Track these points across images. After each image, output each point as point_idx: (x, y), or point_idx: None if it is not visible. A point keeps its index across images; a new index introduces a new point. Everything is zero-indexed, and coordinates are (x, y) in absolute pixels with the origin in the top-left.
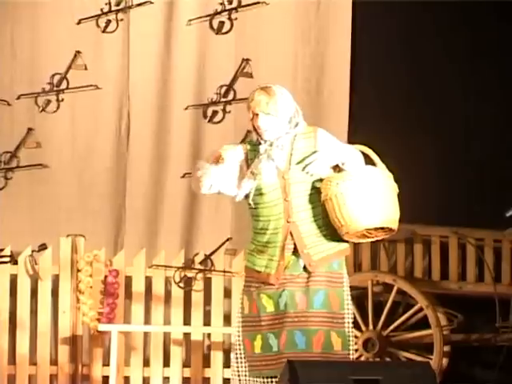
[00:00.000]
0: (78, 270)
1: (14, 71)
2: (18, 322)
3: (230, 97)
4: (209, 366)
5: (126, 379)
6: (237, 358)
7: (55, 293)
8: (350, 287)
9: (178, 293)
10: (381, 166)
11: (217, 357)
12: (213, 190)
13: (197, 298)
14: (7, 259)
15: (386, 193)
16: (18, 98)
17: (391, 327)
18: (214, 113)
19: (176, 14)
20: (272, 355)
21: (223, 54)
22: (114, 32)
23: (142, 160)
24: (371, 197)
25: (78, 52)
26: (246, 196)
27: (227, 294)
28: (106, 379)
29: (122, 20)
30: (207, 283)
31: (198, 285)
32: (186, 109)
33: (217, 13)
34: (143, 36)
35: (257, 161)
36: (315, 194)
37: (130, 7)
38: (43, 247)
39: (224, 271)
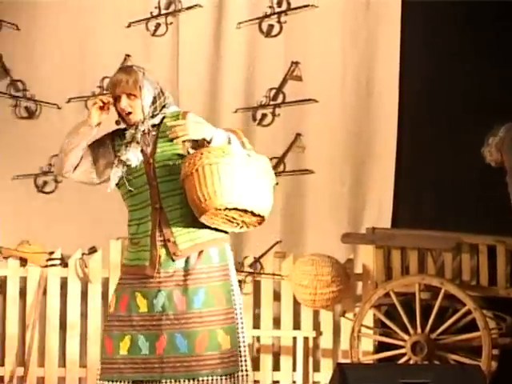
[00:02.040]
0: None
1: (63, 74)
2: (67, 325)
3: (279, 100)
4: (258, 370)
5: None
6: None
7: (105, 295)
8: (398, 292)
9: None
10: (249, 151)
11: (266, 360)
12: (76, 173)
13: (246, 300)
14: (57, 262)
15: (260, 177)
16: (68, 101)
17: (439, 330)
18: (264, 116)
19: (225, 17)
20: (140, 358)
21: (272, 57)
22: (164, 35)
23: None
24: (241, 175)
25: (128, 55)
26: (117, 186)
27: (276, 296)
28: None
29: (171, 23)
30: (256, 286)
31: (248, 288)
32: (236, 112)
33: (266, 16)
34: (192, 39)
35: (123, 147)
36: None
37: (179, 10)
38: (93, 250)
39: (273, 274)
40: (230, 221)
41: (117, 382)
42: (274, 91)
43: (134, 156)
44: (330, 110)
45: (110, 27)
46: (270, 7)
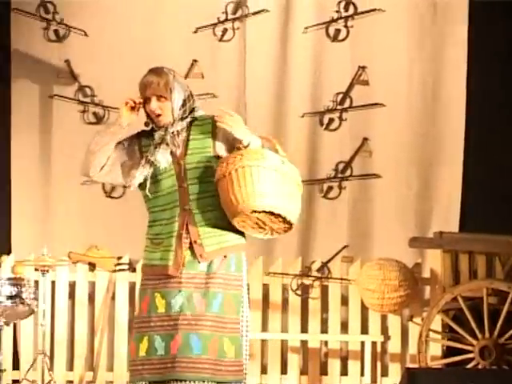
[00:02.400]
0: None
1: (131, 80)
2: None
3: (347, 104)
4: (326, 374)
5: None
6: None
7: None
8: (465, 297)
9: (295, 300)
10: (282, 156)
11: (334, 365)
12: (102, 173)
13: (314, 305)
14: (126, 267)
15: (292, 185)
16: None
17: (507, 335)
18: (331, 120)
19: (292, 22)
20: (156, 359)
21: (339, 62)
22: (231, 40)
23: None
24: (277, 180)
25: (195, 60)
26: (140, 187)
27: (344, 301)
28: None
29: (238, 28)
30: (324, 291)
31: (315, 292)
32: (303, 116)
33: (333, 20)
34: (259, 44)
35: (152, 148)
36: (212, 181)
37: (246, 15)
38: None
39: (341, 279)
40: (259, 226)
41: (140, 382)
42: (340, 96)
43: (163, 157)
44: (396, 114)
45: (178, 33)
46: (337, 12)
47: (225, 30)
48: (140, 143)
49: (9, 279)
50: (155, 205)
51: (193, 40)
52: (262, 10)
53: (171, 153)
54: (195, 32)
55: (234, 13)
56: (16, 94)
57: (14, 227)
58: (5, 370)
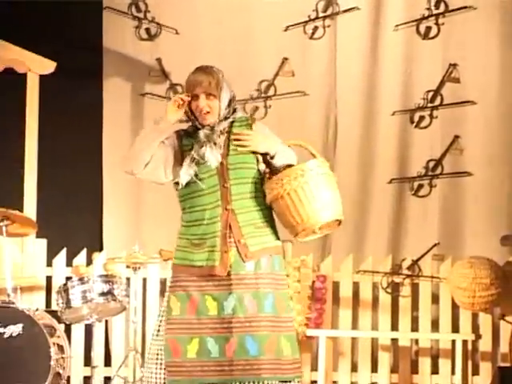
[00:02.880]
0: (286, 276)
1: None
2: None
3: (437, 102)
4: (417, 373)
5: None
6: (156, 364)
7: None
8: None
9: (385, 298)
10: (319, 159)
11: (425, 363)
12: (146, 170)
13: (404, 303)
14: None
15: (333, 185)
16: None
17: None
18: (421, 118)
19: (383, 20)
20: (210, 361)
21: (430, 59)
22: (321, 38)
23: (348, 165)
24: (324, 190)
25: (286, 59)
26: (176, 186)
27: (435, 299)
28: None
29: (329, 26)
30: (415, 289)
31: (406, 290)
32: (393, 114)
33: (424, 18)
34: (350, 42)
35: (196, 146)
36: (254, 182)
37: (337, 13)
38: None
39: (432, 277)
40: (314, 231)
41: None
42: (431, 93)
43: (212, 156)
44: (488, 112)
45: (268, 31)
46: (428, 9)
47: (315, 28)
48: (181, 142)
49: (101, 276)
50: (195, 204)
51: (283, 38)
52: (353, 8)
53: (216, 152)
54: (286, 30)
55: (325, 11)
56: (108, 92)
57: (106, 225)
58: (97, 367)
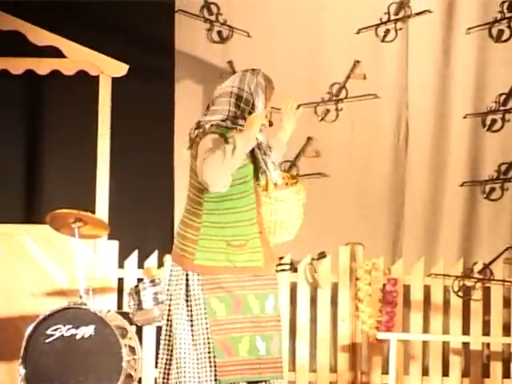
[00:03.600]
0: (357, 279)
1: (293, 81)
2: (297, 329)
3: (510, 105)
4: (488, 377)
5: None
6: (204, 368)
7: (334, 301)
8: None
9: (456, 302)
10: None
11: (496, 367)
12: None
13: (476, 307)
14: (287, 267)
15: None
16: (298, 107)
17: None
18: (493, 121)
19: (455, 23)
20: (259, 359)
21: (502, 62)
22: (393, 41)
23: (420, 168)
24: (292, 216)
25: (357, 61)
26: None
27: (506, 303)
28: None
29: (400, 29)
30: (486, 292)
31: (477, 294)
32: (465, 117)
33: (496, 21)
34: (422, 44)
35: (262, 151)
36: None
37: (409, 16)
38: (322, 255)
39: (503, 280)
40: None
41: (238, 382)
42: (503, 97)
43: (273, 164)
44: None
45: (340, 34)
46: (500, 12)
47: (387, 31)
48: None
49: None
50: (237, 206)
51: (355, 41)
52: (425, 11)
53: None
54: (357, 33)
55: (397, 13)
56: (180, 94)
57: (177, 224)
58: None
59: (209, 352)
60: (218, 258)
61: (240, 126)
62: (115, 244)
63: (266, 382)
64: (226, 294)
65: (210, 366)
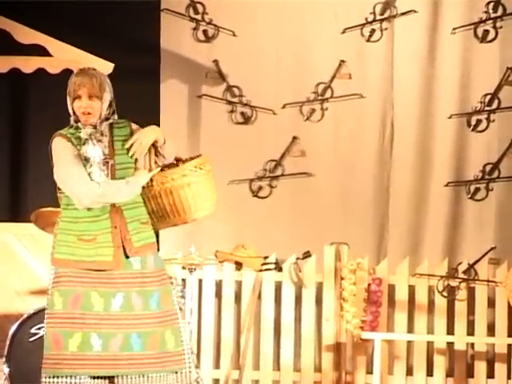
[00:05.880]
0: (342, 278)
1: (279, 81)
2: (282, 329)
3: (494, 105)
4: (472, 376)
5: None
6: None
7: (319, 300)
8: None
9: (441, 302)
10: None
11: (480, 367)
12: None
13: (460, 307)
14: (272, 266)
15: (210, 182)
16: (283, 106)
17: None
18: (478, 121)
19: (440, 23)
20: (92, 355)
21: (487, 63)
22: (379, 41)
23: (405, 168)
24: (205, 188)
25: (343, 61)
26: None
27: (491, 303)
28: None
29: (386, 29)
30: (471, 292)
31: (462, 294)
32: (450, 117)
33: (481, 21)
34: (407, 44)
35: (85, 146)
36: None
37: (394, 16)
38: (307, 255)
39: (488, 280)
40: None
41: (67, 377)
42: (489, 97)
43: (95, 152)
44: None
45: (326, 33)
46: (486, 12)
47: (373, 31)
48: (73, 144)
49: None
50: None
51: (340, 40)
52: (411, 11)
53: (101, 151)
54: (343, 32)
55: (382, 13)
56: (165, 93)
57: None
58: None
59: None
60: (67, 252)
61: None
62: None
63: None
64: (68, 289)
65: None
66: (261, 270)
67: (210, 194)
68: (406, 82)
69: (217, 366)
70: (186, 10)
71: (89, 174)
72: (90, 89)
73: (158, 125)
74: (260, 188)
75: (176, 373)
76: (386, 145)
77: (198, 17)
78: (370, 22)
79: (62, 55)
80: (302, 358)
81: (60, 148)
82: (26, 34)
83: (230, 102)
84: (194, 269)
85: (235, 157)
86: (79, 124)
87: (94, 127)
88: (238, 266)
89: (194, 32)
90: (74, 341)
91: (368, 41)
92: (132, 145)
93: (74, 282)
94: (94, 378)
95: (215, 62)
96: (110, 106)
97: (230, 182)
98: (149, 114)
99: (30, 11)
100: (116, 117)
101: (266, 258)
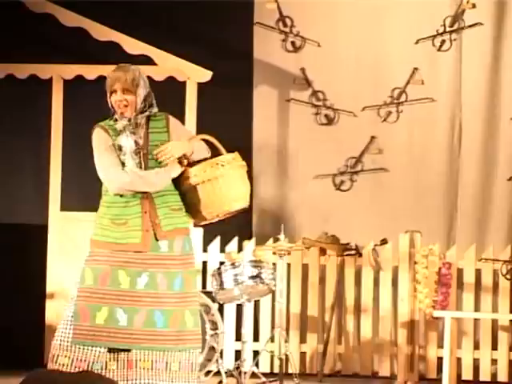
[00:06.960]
0: (415, 263)
1: (358, 86)
2: (362, 308)
3: None
4: None
5: (458, 360)
6: (66, 325)
7: (395, 282)
8: None
9: (504, 283)
10: (224, 152)
11: None
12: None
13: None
14: (353, 252)
15: (244, 176)
16: (363, 109)
17: None
18: None
19: (504, 34)
20: (118, 329)
21: None
22: (448, 50)
23: (472, 164)
24: (238, 180)
25: (416, 69)
26: None
27: None
28: (440, 360)
29: (455, 40)
30: None
31: None
32: None
33: None
34: (474, 53)
35: (119, 136)
36: None
37: (462, 28)
38: (384, 242)
39: None
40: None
41: (89, 347)
42: None
43: (127, 143)
44: None
45: (401, 44)
46: None
47: (443, 41)
48: (109, 135)
49: (250, 262)
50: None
51: (414, 50)
52: (477, 23)
53: (134, 142)
54: (416, 43)
55: (452, 26)
56: (257, 97)
57: (255, 215)
58: (247, 342)
59: (72, 316)
60: (103, 234)
61: None
62: (200, 231)
63: (127, 351)
64: (99, 266)
65: (70, 328)
66: (342, 255)
67: (242, 188)
68: (472, 87)
69: (303, 340)
70: (276, 23)
71: (122, 163)
72: (123, 83)
73: (251, 126)
74: (342, 182)
75: (189, 351)
76: (455, 143)
77: (287, 29)
78: (441, 34)
79: (167, 64)
80: (380, 334)
81: (97, 138)
82: (134, 46)
83: (315, 106)
84: (284, 254)
85: (320, 154)
86: (116, 116)
87: (130, 120)
88: (323, 251)
89: (283, 43)
90: (101, 314)
91: (439, 50)
92: (160, 152)
93: (104, 261)
94: (111, 350)
95: (302, 69)
96: (145, 99)
97: (316, 176)
98: (243, 116)
99: (138, 25)
100: (154, 110)
101: (347, 244)
